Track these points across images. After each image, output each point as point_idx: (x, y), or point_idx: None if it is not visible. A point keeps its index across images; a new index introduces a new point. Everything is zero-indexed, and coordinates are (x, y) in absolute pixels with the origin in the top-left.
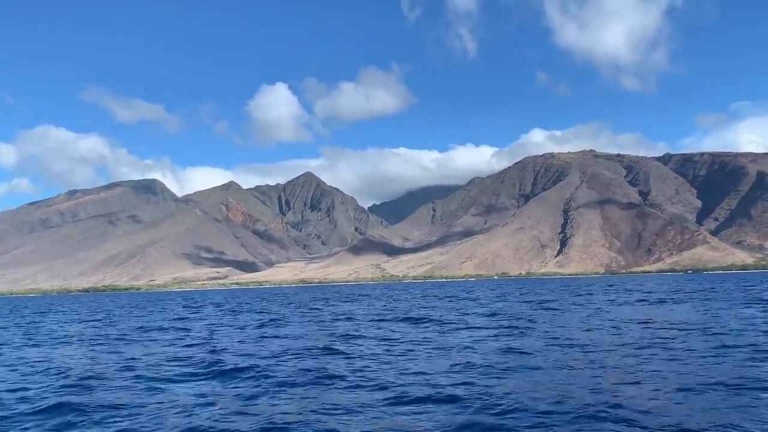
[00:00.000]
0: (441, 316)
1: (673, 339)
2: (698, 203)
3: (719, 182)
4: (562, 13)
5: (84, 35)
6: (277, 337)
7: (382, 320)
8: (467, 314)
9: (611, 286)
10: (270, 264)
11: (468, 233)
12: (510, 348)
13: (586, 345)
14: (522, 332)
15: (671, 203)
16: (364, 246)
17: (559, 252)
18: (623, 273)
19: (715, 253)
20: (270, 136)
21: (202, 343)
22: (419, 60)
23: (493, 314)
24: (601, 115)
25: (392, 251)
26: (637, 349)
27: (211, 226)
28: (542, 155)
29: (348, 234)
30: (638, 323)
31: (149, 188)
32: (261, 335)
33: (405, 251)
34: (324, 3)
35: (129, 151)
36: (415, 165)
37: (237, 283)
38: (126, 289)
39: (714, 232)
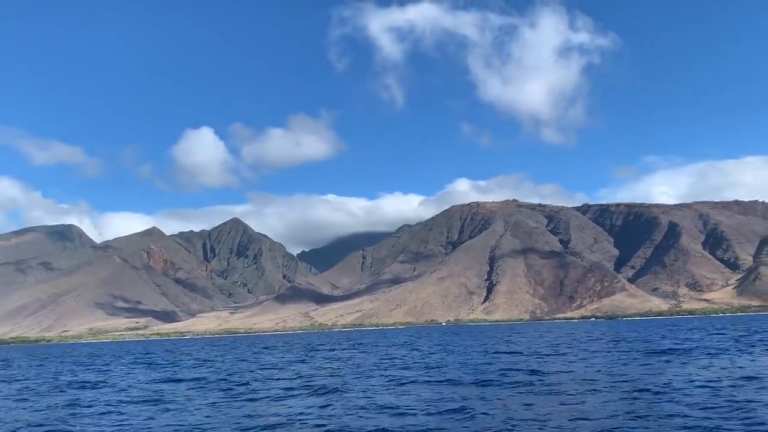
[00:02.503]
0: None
1: None
2: (615, 252)
3: (634, 232)
4: (485, 67)
5: None
6: None
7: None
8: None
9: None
10: (193, 314)
11: (397, 280)
12: None
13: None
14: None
15: (590, 251)
16: (291, 294)
17: (486, 299)
18: (547, 319)
19: (633, 300)
20: (195, 180)
21: None
22: (348, 108)
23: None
24: (523, 166)
25: (321, 299)
26: None
27: (130, 274)
28: (468, 204)
29: (276, 281)
30: None
31: (65, 234)
32: None
33: (334, 299)
34: (249, 49)
35: (44, 194)
36: (344, 212)
37: (158, 334)
38: (36, 340)
39: (631, 280)
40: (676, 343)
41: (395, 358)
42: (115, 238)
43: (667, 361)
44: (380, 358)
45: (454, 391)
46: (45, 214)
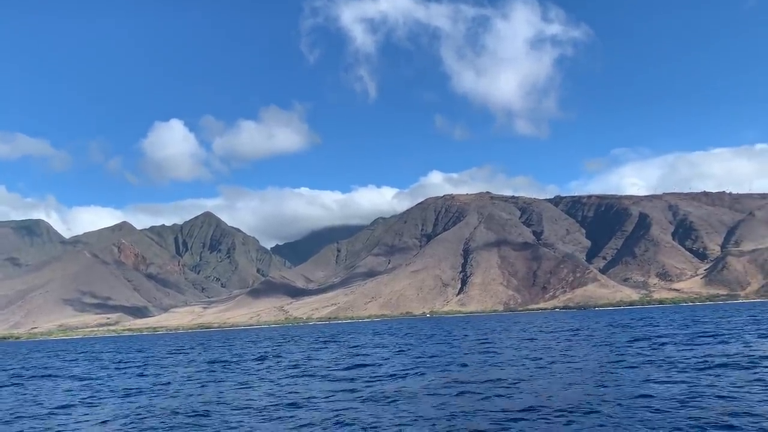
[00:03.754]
0: None
1: None
2: (587, 243)
3: (606, 223)
4: (458, 59)
5: None
6: None
7: None
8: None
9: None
10: (165, 309)
11: (372, 273)
12: None
13: None
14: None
15: (563, 243)
16: (265, 288)
17: (460, 291)
18: (521, 310)
19: (605, 290)
20: (165, 174)
21: None
22: (321, 100)
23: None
24: (495, 158)
25: (295, 293)
26: None
27: (101, 270)
28: (442, 196)
29: (249, 276)
30: None
31: (32, 229)
32: None
33: (309, 293)
34: (219, 40)
35: (8, 188)
36: (318, 205)
37: (129, 330)
38: (4, 338)
39: (603, 270)
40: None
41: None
42: (84, 233)
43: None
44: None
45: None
46: (10, 209)
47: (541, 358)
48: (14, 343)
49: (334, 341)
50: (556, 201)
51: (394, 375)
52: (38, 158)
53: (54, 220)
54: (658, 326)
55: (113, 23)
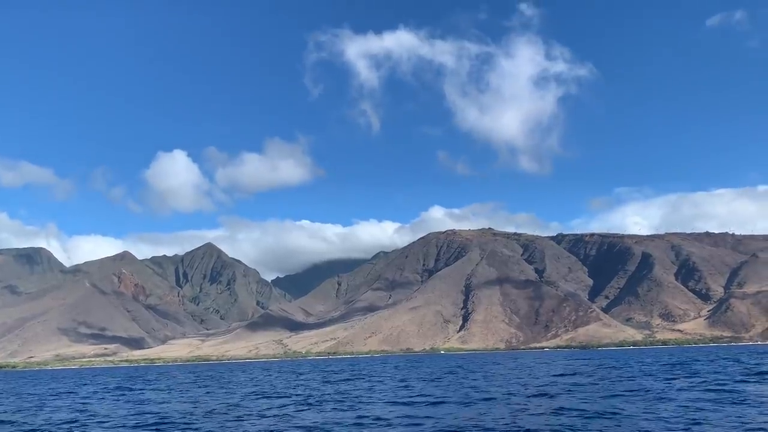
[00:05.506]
0: None
1: None
2: (590, 281)
3: (608, 262)
4: (462, 96)
5: None
6: None
7: None
8: None
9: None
10: (163, 340)
11: (372, 308)
12: None
13: None
14: None
15: (565, 281)
16: (265, 321)
17: (462, 327)
18: (523, 348)
19: (608, 330)
20: (168, 204)
21: None
22: (324, 133)
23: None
24: (498, 195)
25: (294, 326)
26: None
27: (100, 299)
28: (444, 231)
29: (249, 308)
30: None
31: (33, 257)
32: None
33: (308, 326)
34: (224, 72)
35: (10, 216)
36: (319, 238)
37: (127, 361)
38: (1, 366)
39: (605, 309)
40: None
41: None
42: (85, 262)
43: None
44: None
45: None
46: (11, 236)
47: None
48: (11, 372)
49: (361, 377)
50: (559, 239)
51: None
52: (41, 186)
53: (55, 249)
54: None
55: (118, 54)
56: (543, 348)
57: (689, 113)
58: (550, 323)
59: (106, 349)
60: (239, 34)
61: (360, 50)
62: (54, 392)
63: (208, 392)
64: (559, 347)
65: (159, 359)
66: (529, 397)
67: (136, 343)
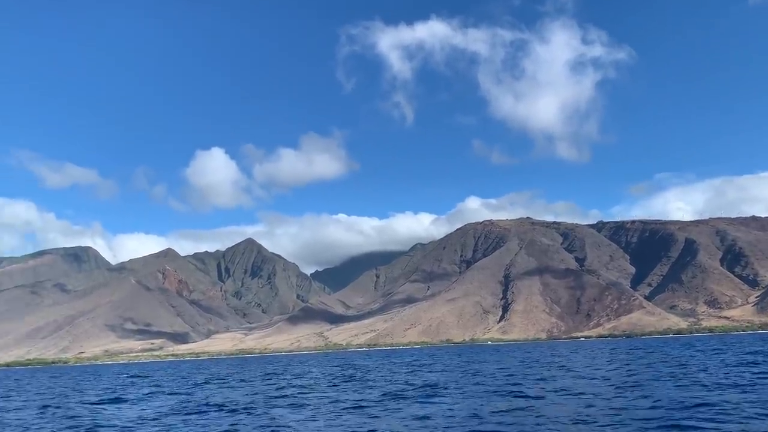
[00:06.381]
0: None
1: None
2: (632, 269)
3: (651, 249)
4: (496, 83)
5: (9, 98)
6: None
7: None
8: None
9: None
10: (208, 334)
11: (410, 300)
12: None
13: None
14: None
15: (606, 269)
16: (305, 314)
17: (502, 318)
18: (564, 338)
19: (651, 318)
20: (208, 201)
21: None
22: (358, 126)
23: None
24: (535, 183)
25: (334, 319)
26: None
27: (146, 296)
28: (482, 222)
29: (290, 302)
30: None
31: (80, 256)
32: None
33: (347, 319)
34: (258, 69)
35: (57, 216)
36: (356, 231)
37: (173, 355)
38: (53, 362)
39: (648, 298)
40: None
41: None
42: (130, 260)
43: None
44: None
45: None
46: (59, 236)
47: None
48: (64, 367)
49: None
50: (599, 227)
51: None
52: (86, 186)
53: (101, 247)
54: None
55: (156, 56)
56: (586, 337)
57: (731, 94)
58: (592, 312)
59: (152, 343)
60: (272, 31)
61: (392, 42)
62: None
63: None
64: (601, 336)
65: (204, 353)
66: None
67: (181, 338)
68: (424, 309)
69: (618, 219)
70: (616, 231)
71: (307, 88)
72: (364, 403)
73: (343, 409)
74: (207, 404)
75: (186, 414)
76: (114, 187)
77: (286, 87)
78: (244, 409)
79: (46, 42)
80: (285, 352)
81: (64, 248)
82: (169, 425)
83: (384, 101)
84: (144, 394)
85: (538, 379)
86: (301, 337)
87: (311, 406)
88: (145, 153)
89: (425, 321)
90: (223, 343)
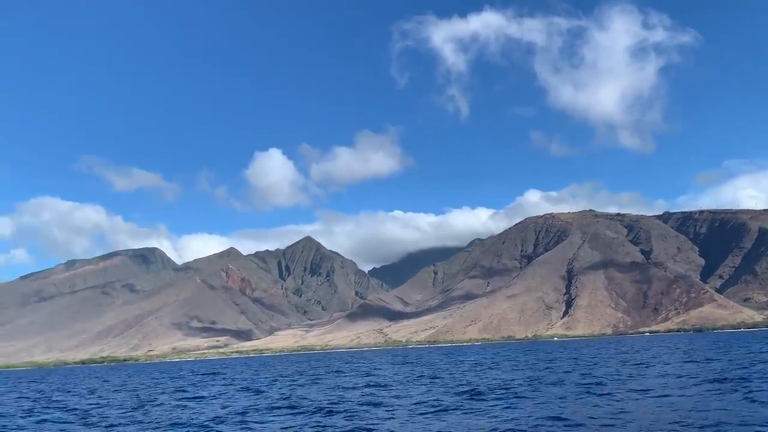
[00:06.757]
0: None
1: None
2: (701, 261)
3: (721, 240)
4: (554, 73)
5: (77, 105)
6: None
7: None
8: None
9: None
10: (270, 331)
11: (470, 296)
12: None
13: None
14: None
15: (674, 261)
16: (364, 311)
17: (565, 314)
18: (631, 333)
19: (723, 312)
20: (267, 201)
21: None
22: (413, 122)
23: None
24: (597, 174)
25: (393, 316)
26: None
27: (210, 294)
28: (543, 216)
29: (349, 298)
30: None
31: (147, 257)
32: None
33: (406, 315)
34: (311, 70)
35: (124, 219)
36: (412, 228)
37: (237, 352)
38: (124, 360)
39: (719, 290)
40: None
41: None
42: (194, 260)
43: None
44: None
45: None
46: (127, 238)
47: None
48: (135, 364)
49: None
50: (666, 217)
51: None
52: (151, 190)
53: (166, 248)
54: None
55: (213, 62)
56: (654, 332)
57: None
58: (660, 306)
59: (217, 341)
60: (325, 30)
61: (445, 35)
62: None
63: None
64: (670, 331)
65: (267, 350)
66: None
67: (244, 335)
68: (484, 305)
69: (685, 209)
70: (684, 222)
71: (361, 86)
72: (446, 403)
73: (425, 408)
74: (285, 401)
75: (268, 410)
76: (178, 190)
77: (341, 86)
78: (330, 405)
79: (112, 49)
80: (345, 348)
81: (132, 250)
82: (256, 422)
83: (438, 95)
84: (230, 391)
85: (618, 377)
86: (361, 334)
87: (391, 406)
88: (206, 156)
89: (486, 317)
90: (285, 339)
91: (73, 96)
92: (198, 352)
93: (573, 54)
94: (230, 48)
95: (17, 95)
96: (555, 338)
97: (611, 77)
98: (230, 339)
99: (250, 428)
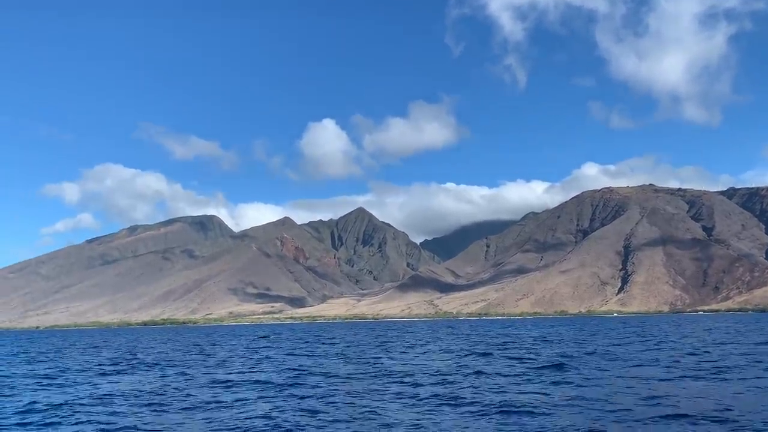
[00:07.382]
0: None
1: None
2: (767, 239)
3: None
4: (616, 42)
5: (138, 74)
6: None
7: None
8: None
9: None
10: (323, 299)
11: (522, 270)
12: None
13: None
14: None
15: (738, 239)
16: (414, 282)
17: (621, 290)
18: (689, 311)
19: None
20: (321, 171)
21: None
22: (468, 92)
23: None
24: (659, 147)
25: (444, 288)
26: None
27: (266, 262)
28: (600, 190)
29: (400, 269)
30: None
31: (206, 224)
32: None
33: (457, 288)
34: (366, 39)
35: (183, 186)
36: (465, 201)
37: (291, 318)
38: (183, 322)
39: None
40: None
41: None
42: (251, 228)
43: None
44: None
45: None
46: (186, 205)
47: None
48: (194, 327)
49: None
50: (730, 193)
51: None
52: (209, 158)
53: (224, 216)
54: None
55: (270, 34)
56: (714, 311)
57: None
58: (721, 285)
59: (272, 307)
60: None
61: (503, 3)
62: None
63: None
64: (730, 310)
65: (320, 317)
66: None
67: (298, 302)
68: (537, 279)
69: (752, 185)
70: (750, 198)
71: (416, 55)
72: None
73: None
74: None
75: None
76: (234, 159)
77: (394, 55)
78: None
79: (173, 20)
80: (396, 318)
81: (191, 216)
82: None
83: (495, 65)
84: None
85: (698, 357)
86: (412, 305)
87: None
88: (262, 126)
89: (538, 291)
90: (338, 307)
91: (134, 64)
92: (254, 317)
93: (637, 22)
94: (286, 19)
95: (83, 65)
96: (615, 314)
97: (677, 46)
98: (284, 305)
99: None
